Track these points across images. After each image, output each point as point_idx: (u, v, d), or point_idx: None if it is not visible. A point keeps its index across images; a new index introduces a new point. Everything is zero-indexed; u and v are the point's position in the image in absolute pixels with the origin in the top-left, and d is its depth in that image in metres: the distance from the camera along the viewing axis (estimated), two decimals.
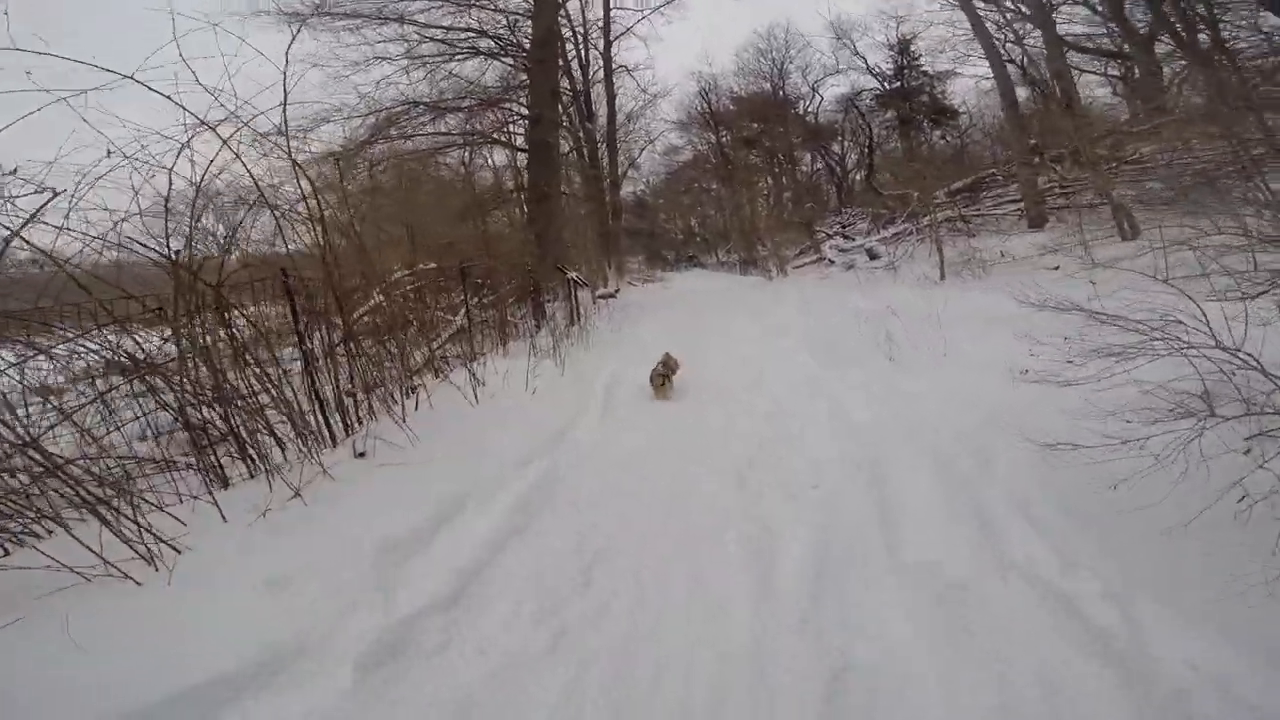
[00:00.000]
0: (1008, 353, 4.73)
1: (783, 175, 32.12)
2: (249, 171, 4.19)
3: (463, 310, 6.87)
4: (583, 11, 19.90)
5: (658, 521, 3.44)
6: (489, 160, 17.47)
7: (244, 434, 3.90)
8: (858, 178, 31.50)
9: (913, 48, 26.45)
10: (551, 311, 9.42)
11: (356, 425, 4.57)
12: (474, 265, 7.31)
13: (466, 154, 14.65)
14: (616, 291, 15.64)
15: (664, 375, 6.03)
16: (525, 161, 15.23)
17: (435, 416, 4.74)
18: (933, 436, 4.01)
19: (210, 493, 3.53)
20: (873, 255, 17.28)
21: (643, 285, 22.40)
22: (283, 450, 4.08)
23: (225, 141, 3.99)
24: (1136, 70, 17.18)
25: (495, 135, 15.11)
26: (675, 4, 21.32)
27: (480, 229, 9.94)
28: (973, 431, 3.97)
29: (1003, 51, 16.67)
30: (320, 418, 4.40)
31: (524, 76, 14.79)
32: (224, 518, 3.29)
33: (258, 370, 4.08)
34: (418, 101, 14.09)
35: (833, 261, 19.31)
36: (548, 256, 10.33)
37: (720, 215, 39.11)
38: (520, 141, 15.62)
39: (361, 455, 4.15)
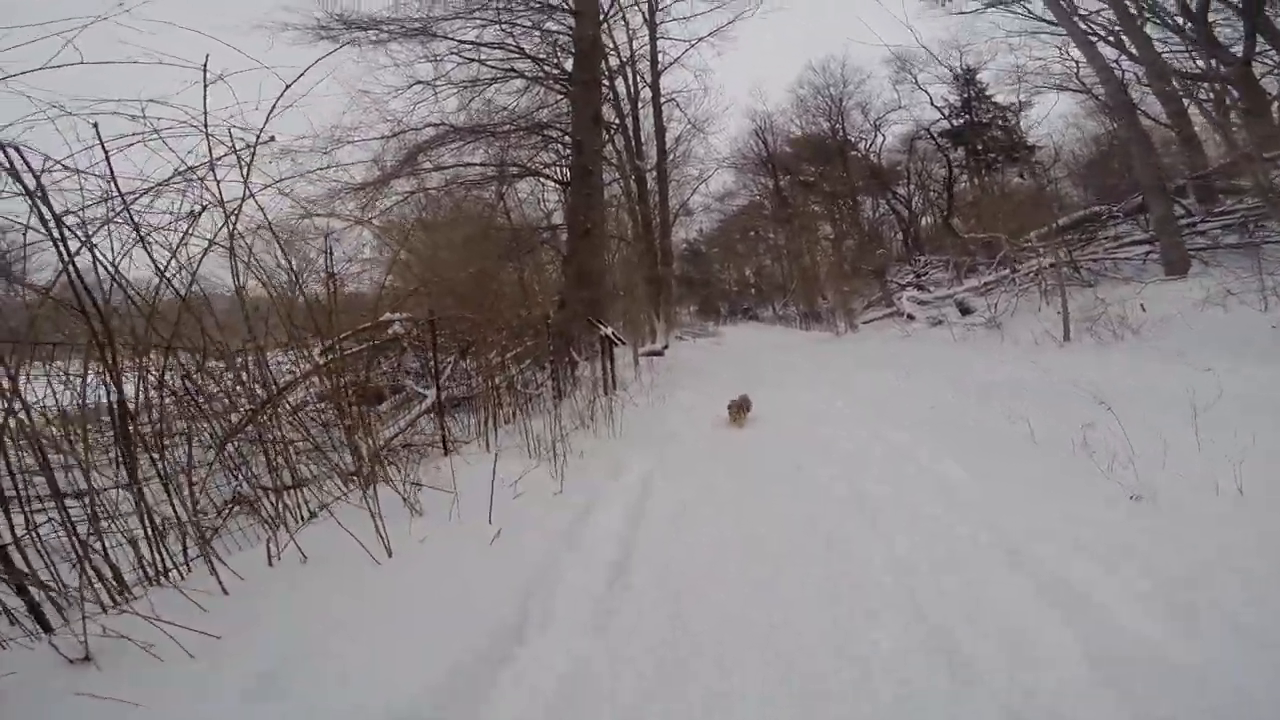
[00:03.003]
0: None
1: (843, 221, 30.02)
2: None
3: (435, 382, 4.97)
4: (629, 42, 18.80)
5: None
6: (537, 196, 16.21)
7: None
8: (925, 222, 29.24)
9: (979, 78, 24.29)
10: (580, 375, 7.49)
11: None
12: (456, 318, 5.46)
13: (499, 188, 13.18)
14: (665, 349, 13.68)
15: (740, 408, 6.08)
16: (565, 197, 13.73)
17: (282, 587, 2.62)
18: None
19: None
20: (964, 309, 14.80)
21: (694, 340, 20.43)
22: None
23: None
24: (1229, 95, 14.75)
25: (532, 166, 13.69)
26: (721, 34, 20.05)
27: (495, 271, 8.16)
28: None
29: (1116, 68, 14.25)
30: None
31: (564, 103, 13.44)
32: None
33: None
34: (452, 126, 12.82)
35: (912, 316, 16.85)
36: (583, 305, 8.47)
37: (778, 264, 37.31)
38: (561, 175, 14.15)
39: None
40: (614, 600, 2.70)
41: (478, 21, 12.24)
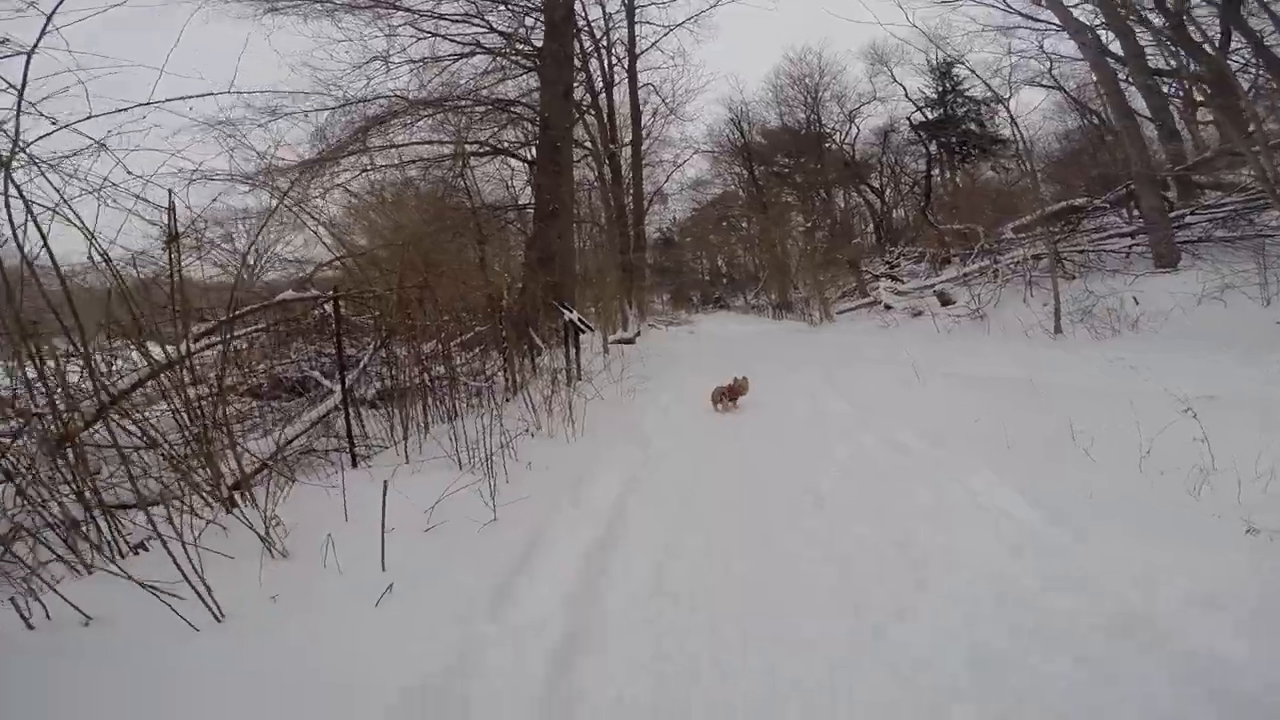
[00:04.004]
0: None
1: (815, 213, 29.59)
2: None
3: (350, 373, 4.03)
4: (605, 21, 17.79)
5: None
6: (504, 178, 15.14)
7: None
8: (898, 214, 29.07)
9: (955, 71, 24.00)
10: (541, 365, 6.59)
11: None
12: (374, 296, 4.50)
13: (460, 166, 12.09)
14: (637, 336, 12.84)
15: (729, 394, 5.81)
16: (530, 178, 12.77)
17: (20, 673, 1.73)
18: None
19: None
20: (945, 300, 14.32)
21: (666, 328, 19.64)
22: None
23: None
24: (1202, 91, 14.71)
25: (495, 144, 12.66)
26: (700, 20, 19.29)
27: (438, 248, 7.13)
28: None
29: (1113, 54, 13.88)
30: None
31: (532, 80, 12.44)
32: None
33: None
34: (406, 99, 11.70)
35: (889, 307, 16.34)
36: (545, 289, 7.56)
37: (750, 254, 36.71)
38: (529, 155, 13.15)
39: None
40: None
41: None
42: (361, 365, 4.13)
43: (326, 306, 4.57)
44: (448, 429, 3.96)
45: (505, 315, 5.71)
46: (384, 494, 2.56)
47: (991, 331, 11.04)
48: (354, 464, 3.76)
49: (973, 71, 18.56)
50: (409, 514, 2.86)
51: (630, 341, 12.41)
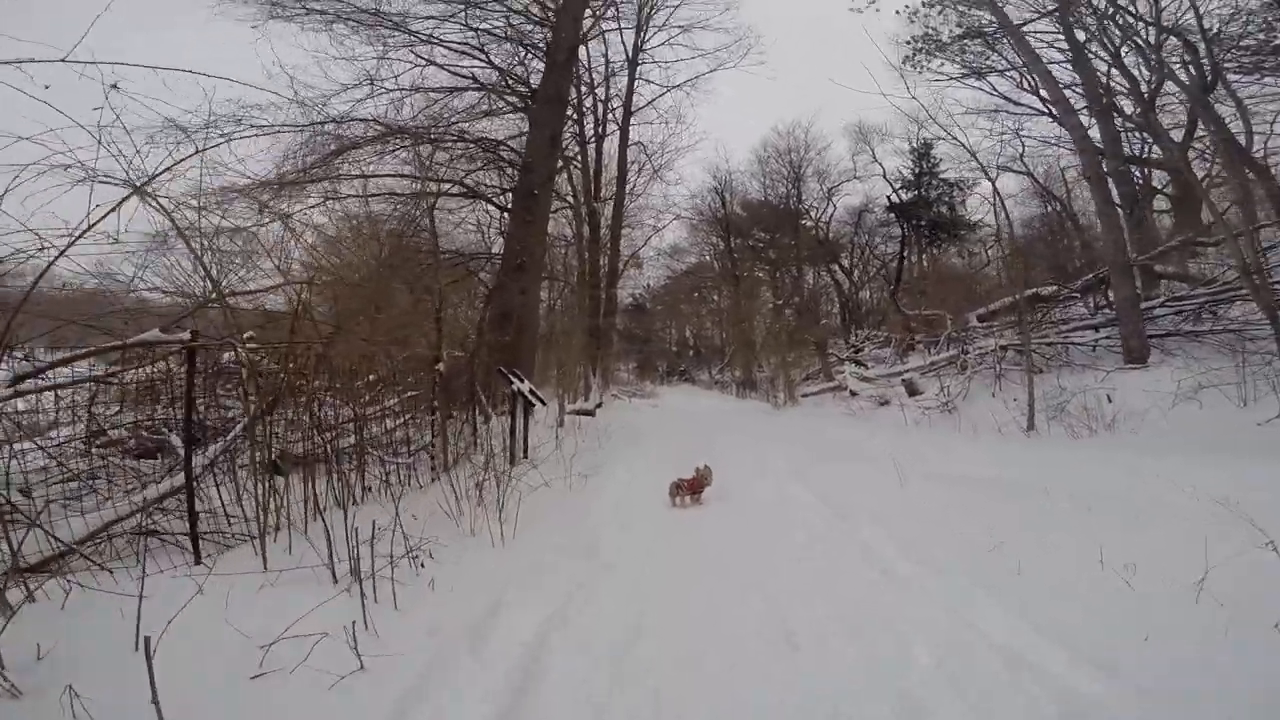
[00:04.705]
0: None
1: (785, 290, 30.00)
2: None
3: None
4: (606, 69, 17.96)
5: None
6: (480, 224, 14.53)
7: None
8: (864, 295, 29.71)
9: (933, 153, 25.07)
10: (483, 438, 5.75)
11: None
12: (252, 345, 3.66)
13: (429, 203, 11.45)
14: (597, 408, 12.08)
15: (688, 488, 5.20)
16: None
17: None
18: None
19: None
20: (912, 390, 14.07)
21: (629, 400, 18.96)
22: None
23: None
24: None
25: (471, 185, 12.16)
26: (697, 85, 19.67)
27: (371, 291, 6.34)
28: None
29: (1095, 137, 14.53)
30: None
31: (519, 122, 12.14)
32: None
33: None
34: (386, 125, 11.14)
35: (854, 393, 16.06)
36: (498, 351, 6.85)
37: (718, 328, 36.79)
38: (504, 201, 12.64)
39: None
40: None
41: (439, 11, 10.80)
42: (231, 436, 3.29)
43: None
44: (341, 517, 3.08)
45: (441, 377, 4.92)
46: (147, 653, 1.73)
47: (962, 427, 10.66)
48: (197, 559, 2.92)
49: (964, 146, 19.29)
50: (237, 649, 2.05)
51: (590, 414, 11.61)
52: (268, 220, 8.49)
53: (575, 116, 16.49)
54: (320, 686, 2.18)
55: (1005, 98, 17.91)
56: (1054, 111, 15.18)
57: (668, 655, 2.64)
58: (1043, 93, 15.81)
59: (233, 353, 3.37)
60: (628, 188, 21.03)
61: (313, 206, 10.94)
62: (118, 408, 3.69)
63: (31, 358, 2.75)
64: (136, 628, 2.13)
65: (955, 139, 19.69)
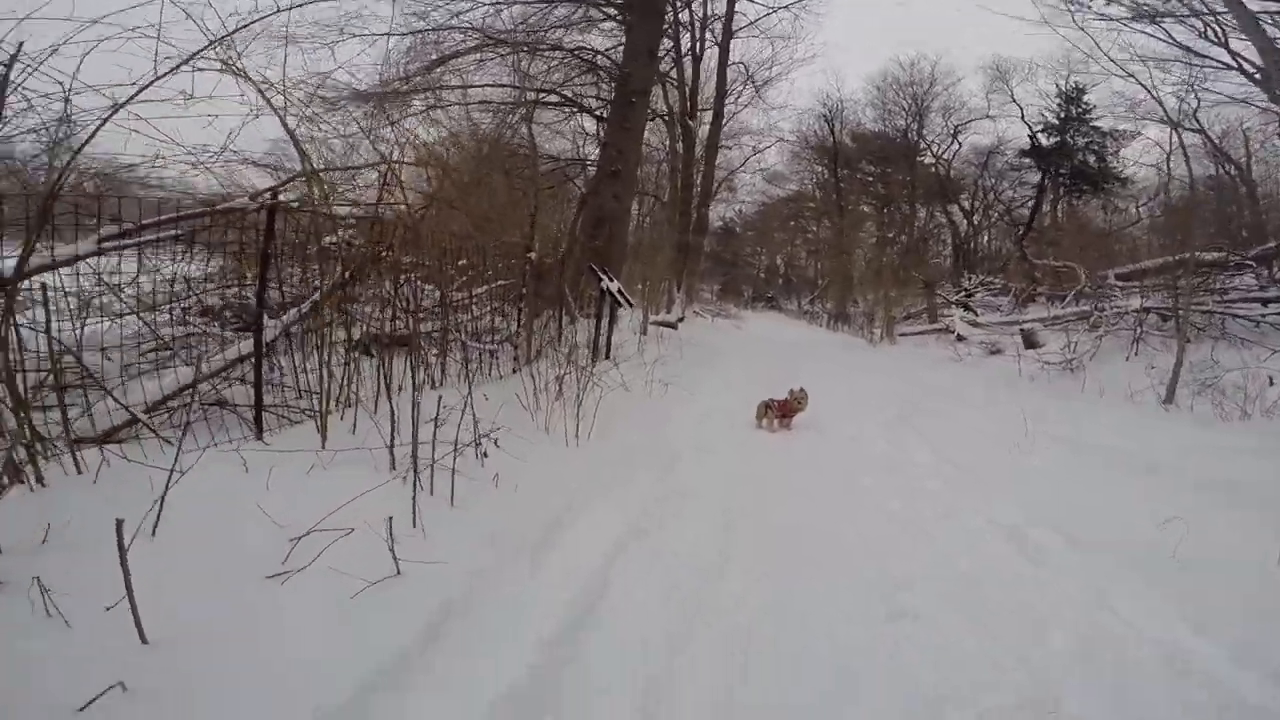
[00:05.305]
0: None
1: (892, 227, 27.78)
2: None
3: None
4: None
5: None
6: (576, 133, 14.19)
7: None
8: (982, 240, 27.21)
9: (1085, 98, 21.83)
10: (568, 335, 5.65)
11: None
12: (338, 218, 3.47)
13: (528, 112, 11.17)
14: (679, 321, 11.81)
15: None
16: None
17: None
18: None
19: None
20: (1030, 342, 12.79)
21: (712, 320, 18.51)
22: None
23: None
24: None
25: (568, 94, 11.73)
26: (809, 8, 17.84)
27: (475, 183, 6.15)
28: None
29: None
30: None
31: (616, 32, 11.47)
32: None
33: None
34: (485, 34, 10.78)
35: (962, 337, 14.84)
36: (591, 252, 6.66)
37: (814, 259, 34.96)
38: (601, 111, 12.17)
39: None
40: None
41: None
42: (308, 304, 3.22)
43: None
44: (411, 398, 2.96)
45: (532, 266, 4.76)
46: (121, 550, 1.51)
47: (1086, 388, 9.58)
48: (259, 434, 2.88)
49: (1148, 90, 16.56)
50: (262, 540, 1.90)
51: (673, 326, 11.40)
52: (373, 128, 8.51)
53: (672, 31, 15.43)
54: (340, 596, 1.90)
55: (1185, 47, 14.88)
56: (1244, 66, 12.44)
57: (745, 605, 2.29)
58: (1232, 44, 12.97)
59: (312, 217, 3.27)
60: (726, 106, 19.73)
61: (419, 112, 10.90)
62: (208, 279, 3.76)
63: (120, 221, 2.75)
64: (160, 503, 1.89)
65: (1136, 79, 16.71)
